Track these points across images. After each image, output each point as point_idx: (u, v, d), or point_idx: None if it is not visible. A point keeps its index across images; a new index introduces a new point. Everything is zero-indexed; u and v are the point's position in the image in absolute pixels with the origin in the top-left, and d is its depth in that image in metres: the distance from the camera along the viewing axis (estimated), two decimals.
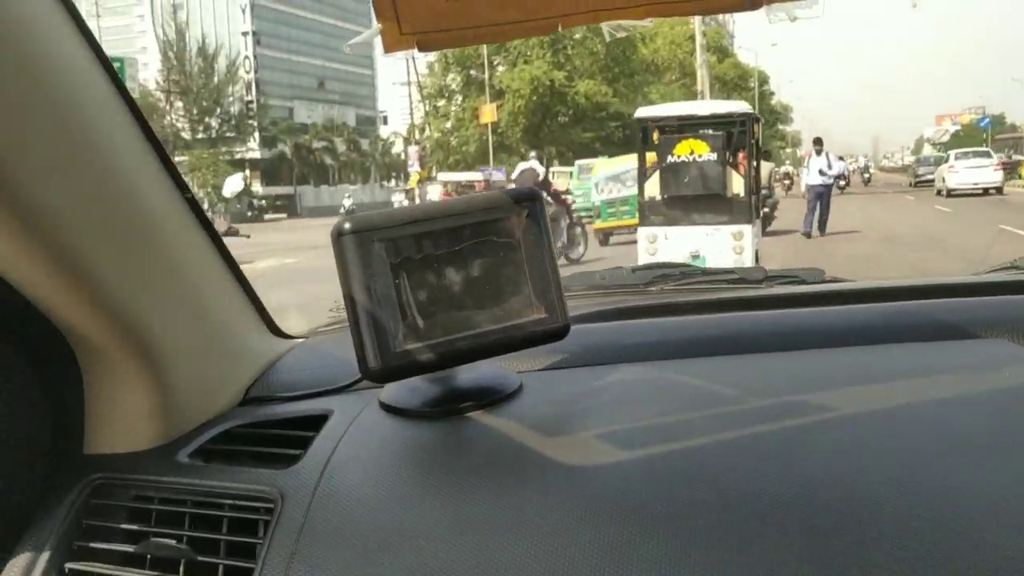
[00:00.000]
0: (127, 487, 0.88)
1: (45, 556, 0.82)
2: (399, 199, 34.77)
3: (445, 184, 36.03)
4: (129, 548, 0.83)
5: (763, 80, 67.57)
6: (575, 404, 0.92)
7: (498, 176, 38.14)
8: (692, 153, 7.54)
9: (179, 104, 47.22)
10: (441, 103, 41.53)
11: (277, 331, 1.17)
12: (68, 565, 0.82)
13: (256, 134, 56.41)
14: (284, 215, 51.01)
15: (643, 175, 7.75)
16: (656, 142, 7.85)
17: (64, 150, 0.73)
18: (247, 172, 57.36)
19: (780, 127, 78.49)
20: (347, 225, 0.84)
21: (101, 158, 0.78)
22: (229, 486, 0.84)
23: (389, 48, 0.82)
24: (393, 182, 57.65)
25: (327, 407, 0.96)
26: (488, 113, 36.21)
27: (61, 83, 0.73)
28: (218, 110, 49.58)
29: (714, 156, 7.48)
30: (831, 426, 0.79)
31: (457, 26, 0.81)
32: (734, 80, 61.61)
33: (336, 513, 0.76)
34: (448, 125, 40.80)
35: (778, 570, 0.61)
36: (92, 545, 0.84)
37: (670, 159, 7.58)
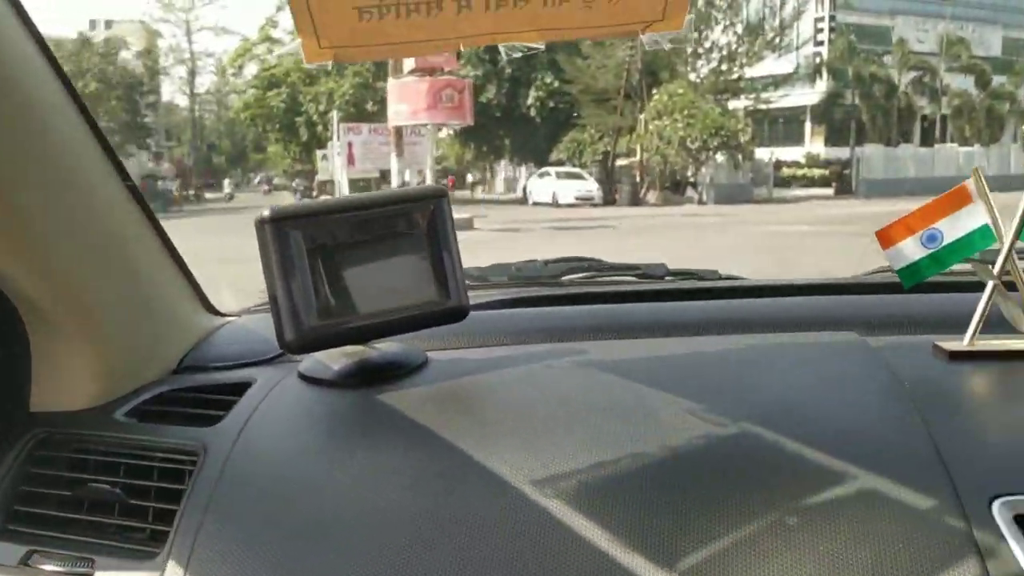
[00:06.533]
0: (68, 441, 0.99)
1: None
2: None
3: None
4: (69, 493, 0.94)
5: None
6: (475, 378, 1.02)
7: None
8: None
9: None
10: None
11: (211, 309, 1.28)
12: (16, 507, 0.93)
13: (823, 70, 37.11)
14: (828, 189, 31.54)
15: None
16: None
17: (14, 135, 0.82)
18: (809, 125, 38.93)
19: None
20: (266, 214, 0.94)
21: (48, 143, 0.88)
22: (159, 440, 0.95)
23: (309, 59, 0.89)
24: None
25: (251, 376, 1.06)
26: None
27: (9, 74, 0.81)
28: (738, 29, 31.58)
29: None
30: (701, 397, 0.91)
31: (370, 42, 0.88)
32: None
33: (252, 465, 0.87)
34: None
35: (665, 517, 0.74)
36: (37, 490, 0.95)
37: None
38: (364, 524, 0.76)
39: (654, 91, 27.87)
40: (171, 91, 55.88)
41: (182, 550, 0.79)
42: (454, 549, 0.73)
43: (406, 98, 16.80)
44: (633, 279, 1.52)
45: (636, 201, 27.20)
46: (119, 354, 1.03)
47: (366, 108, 29.78)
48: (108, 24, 50.25)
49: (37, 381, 1.01)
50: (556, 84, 31.01)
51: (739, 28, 31.29)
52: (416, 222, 0.99)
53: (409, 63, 16.54)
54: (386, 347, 1.05)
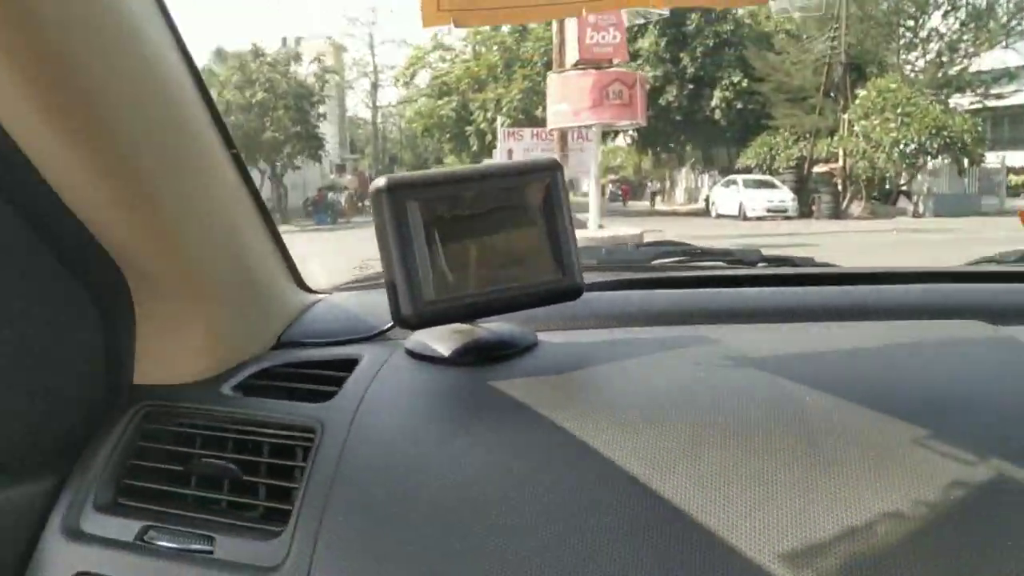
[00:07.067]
0: (175, 414, 0.97)
1: (104, 472, 0.92)
2: None
3: None
4: (178, 467, 0.93)
5: None
6: (588, 360, 0.98)
7: None
8: None
9: None
10: None
11: (303, 286, 1.25)
12: (124, 480, 0.93)
13: None
14: None
15: None
16: None
17: (139, 96, 0.82)
18: None
19: None
20: (382, 183, 0.90)
21: (167, 104, 0.87)
22: (270, 415, 0.93)
23: (427, 23, 0.88)
24: None
25: (357, 352, 1.04)
26: None
27: (141, 44, 0.82)
28: None
29: None
30: (807, 383, 0.86)
31: (490, 6, 0.88)
32: None
33: (371, 442, 0.85)
34: None
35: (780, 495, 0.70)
36: (146, 464, 0.94)
37: None
38: (484, 504, 0.75)
39: (858, 89, 24.33)
40: (354, 104, 56.83)
41: (308, 527, 0.78)
42: (564, 533, 0.71)
43: (568, 96, 14.59)
44: (726, 264, 1.48)
45: (837, 213, 23.79)
46: (225, 328, 1.02)
47: (535, 115, 27.99)
48: (298, 40, 51.65)
49: (143, 354, 1.00)
50: (744, 83, 28.00)
51: (962, 13, 27.05)
52: (532, 195, 0.96)
53: (572, 55, 14.39)
54: (496, 326, 1.03)
